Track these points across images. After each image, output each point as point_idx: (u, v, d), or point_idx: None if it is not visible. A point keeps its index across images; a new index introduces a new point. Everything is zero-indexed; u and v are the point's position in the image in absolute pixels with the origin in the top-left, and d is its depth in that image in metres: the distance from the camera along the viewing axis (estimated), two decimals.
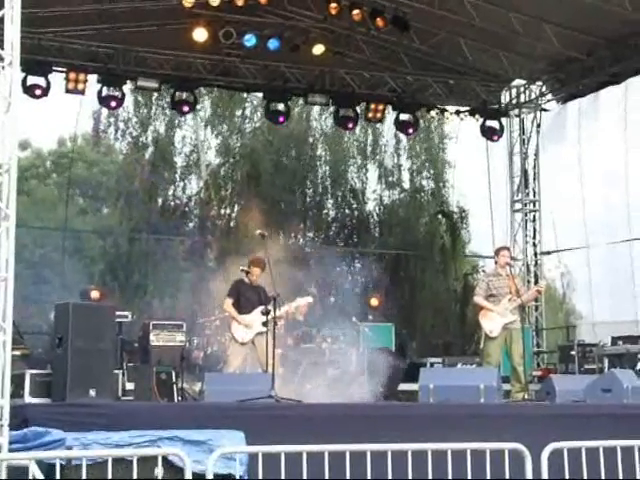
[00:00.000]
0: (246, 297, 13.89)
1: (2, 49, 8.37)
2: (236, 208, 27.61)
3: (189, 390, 14.31)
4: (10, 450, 7.90)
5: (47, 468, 7.64)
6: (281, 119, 22.49)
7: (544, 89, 22.84)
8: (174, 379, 14.51)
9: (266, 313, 13.35)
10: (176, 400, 13.97)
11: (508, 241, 22.64)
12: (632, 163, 20.92)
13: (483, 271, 25.37)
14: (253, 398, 10.61)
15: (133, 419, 9.04)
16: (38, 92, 19.33)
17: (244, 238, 18.03)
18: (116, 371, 12.45)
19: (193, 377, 14.42)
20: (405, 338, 22.87)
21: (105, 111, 25.76)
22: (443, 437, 8.66)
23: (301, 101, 23.56)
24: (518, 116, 23.67)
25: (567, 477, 8.48)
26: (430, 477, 8.05)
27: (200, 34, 19.15)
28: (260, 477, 7.79)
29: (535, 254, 23.43)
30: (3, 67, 8.42)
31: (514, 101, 23.44)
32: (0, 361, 8.11)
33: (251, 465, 8.16)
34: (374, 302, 19.10)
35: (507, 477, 8.23)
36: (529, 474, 8.08)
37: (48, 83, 19.51)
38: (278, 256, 15.00)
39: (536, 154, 23.51)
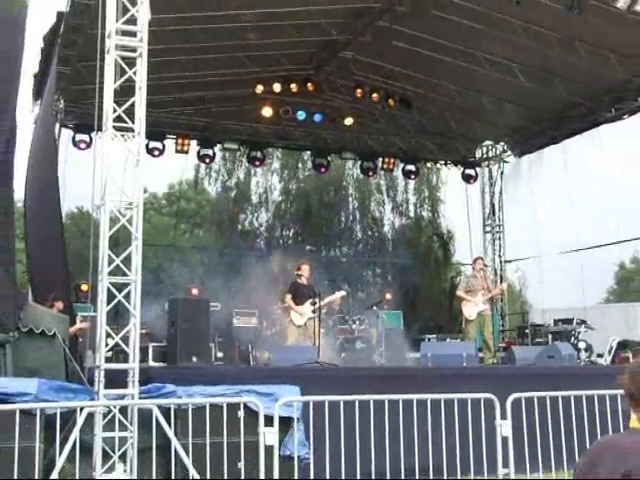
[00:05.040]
0: (300, 293, 13.90)
1: (133, 123, 8.48)
2: (292, 232, 27.68)
3: (260, 358, 14.36)
4: (140, 398, 7.98)
5: (164, 411, 7.79)
6: (323, 170, 22.56)
7: (505, 147, 22.71)
8: (250, 350, 14.59)
9: (314, 304, 13.42)
10: (251, 364, 14.04)
11: (482, 253, 22.53)
12: (575, 195, 20.64)
13: (465, 274, 25.20)
14: (305, 363, 10.63)
15: (222, 377, 9.08)
16: (157, 153, 19.56)
17: (298, 252, 18.05)
18: (210, 344, 12.53)
19: (263, 349, 14.43)
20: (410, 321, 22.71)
21: (202, 165, 25.88)
22: (438, 390, 8.66)
23: (337, 157, 23.55)
24: (487, 166, 23.56)
25: (524, 418, 8.47)
26: (429, 418, 8.09)
27: (267, 111, 19.29)
28: (311, 418, 7.90)
29: (500, 262, 23.33)
30: (134, 136, 8.54)
31: (485, 156, 23.31)
32: (132, 337, 8.19)
33: (304, 410, 8.23)
34: (388, 296, 18.99)
35: (482, 418, 8.23)
36: (498, 416, 8.10)
37: (163, 146, 19.69)
38: (321, 264, 15.03)
39: (500, 193, 23.37)
